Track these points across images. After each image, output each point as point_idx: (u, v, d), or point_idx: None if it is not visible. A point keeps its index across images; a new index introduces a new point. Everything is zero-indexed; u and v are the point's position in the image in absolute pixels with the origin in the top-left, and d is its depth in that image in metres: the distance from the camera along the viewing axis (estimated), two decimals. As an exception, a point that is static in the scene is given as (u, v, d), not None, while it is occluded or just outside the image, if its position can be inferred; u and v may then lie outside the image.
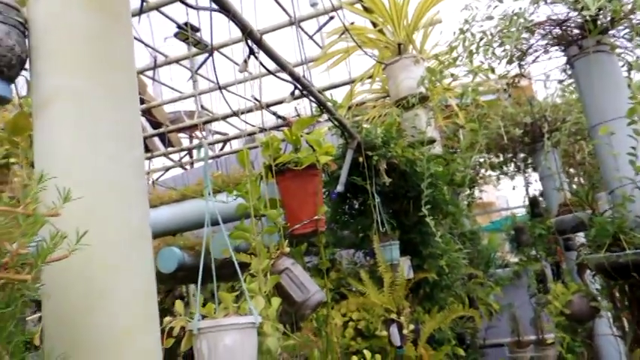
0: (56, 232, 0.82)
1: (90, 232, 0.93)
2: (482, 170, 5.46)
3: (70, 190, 0.86)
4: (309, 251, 3.05)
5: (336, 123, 3.51)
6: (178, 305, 1.62)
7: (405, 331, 2.97)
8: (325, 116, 3.66)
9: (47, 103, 1.30)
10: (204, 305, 1.61)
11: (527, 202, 5.06)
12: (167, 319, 1.51)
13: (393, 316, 3.03)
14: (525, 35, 3.09)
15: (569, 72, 3.23)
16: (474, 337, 4.40)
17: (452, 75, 4.05)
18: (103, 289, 1.18)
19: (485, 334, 4.74)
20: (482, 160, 5.29)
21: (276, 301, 1.78)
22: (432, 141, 4.33)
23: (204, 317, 1.54)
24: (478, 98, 4.49)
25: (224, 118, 4.71)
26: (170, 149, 5.90)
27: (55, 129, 1.30)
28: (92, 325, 1.15)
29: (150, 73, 5.14)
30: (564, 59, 3.17)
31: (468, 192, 5.23)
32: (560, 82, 3.60)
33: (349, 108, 5.16)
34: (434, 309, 3.37)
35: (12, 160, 2.14)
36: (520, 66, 3.33)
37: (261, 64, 2.50)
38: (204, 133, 6.38)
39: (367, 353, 2.47)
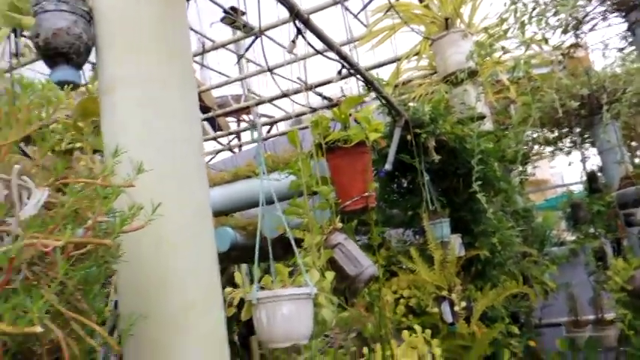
0: (133, 203, 0.88)
1: (158, 209, 0.99)
2: (536, 146, 5.28)
3: (142, 163, 0.92)
4: (358, 230, 3.08)
5: (383, 101, 3.49)
6: (238, 277, 1.70)
7: (456, 308, 2.96)
8: (371, 96, 3.64)
9: (112, 88, 1.37)
10: (258, 281, 1.68)
11: (584, 178, 4.86)
12: (228, 289, 1.59)
13: (444, 293, 3.03)
14: (582, 2, 2.95)
15: (630, 39, 3.06)
16: (529, 316, 4.31)
17: (502, 48, 3.92)
18: (173, 264, 1.26)
19: (540, 314, 4.63)
20: (535, 135, 5.11)
21: (330, 275, 1.83)
22: (481, 117, 4.23)
23: (262, 289, 1.60)
24: (530, 71, 4.32)
25: (271, 100, 4.78)
26: (219, 133, 6.05)
27: (120, 111, 1.38)
28: (163, 296, 1.24)
29: (197, 58, 5.26)
30: (625, 26, 3.01)
31: (520, 169, 5.07)
32: (620, 50, 3.41)
33: (396, 86, 5.10)
34: (486, 286, 3.33)
35: (77, 145, 2.27)
36: (576, 35, 3.18)
37: (308, 43, 2.52)
38: (251, 116, 6.48)
39: (418, 328, 2.48)
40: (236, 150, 6.51)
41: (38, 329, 0.70)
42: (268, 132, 6.14)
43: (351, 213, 2.40)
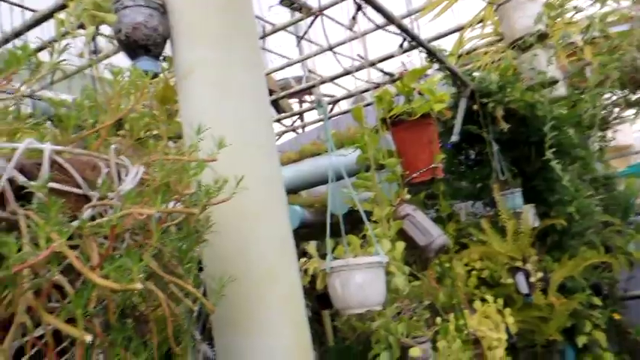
0: (218, 177, 0.96)
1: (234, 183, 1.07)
2: (616, 109, 4.93)
3: (224, 138, 0.99)
4: (426, 204, 3.06)
5: (447, 72, 3.42)
6: (311, 249, 1.77)
7: (532, 279, 2.89)
8: (434, 69, 3.57)
9: (188, 73, 1.47)
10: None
11: (672, 140, 4.50)
12: (302, 260, 1.66)
13: (519, 264, 2.96)
14: (665, -53, 2.71)
15: None
16: (613, 288, 4.10)
17: (574, 7, 3.69)
18: (253, 234, 1.35)
19: (625, 285, 4.38)
20: (615, 97, 4.77)
21: (400, 245, 1.86)
22: (553, 82, 4.01)
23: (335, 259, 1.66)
24: (607, 29, 4.03)
25: (332, 79, 4.80)
26: (282, 115, 6.17)
27: (196, 95, 1.47)
28: (243, 263, 1.33)
29: (259, 42, 5.35)
30: None
31: (599, 134, 4.76)
32: None
33: (459, 56, 4.95)
34: (564, 257, 3.21)
35: (154, 132, 2.43)
36: (659, -15, 2.93)
37: (368, 19, 2.52)
38: (312, 97, 6.53)
39: (490, 297, 2.46)
40: (299, 131, 6.61)
41: (138, 286, 0.79)
42: (330, 111, 6.18)
43: (418, 185, 2.40)
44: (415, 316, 1.82)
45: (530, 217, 3.24)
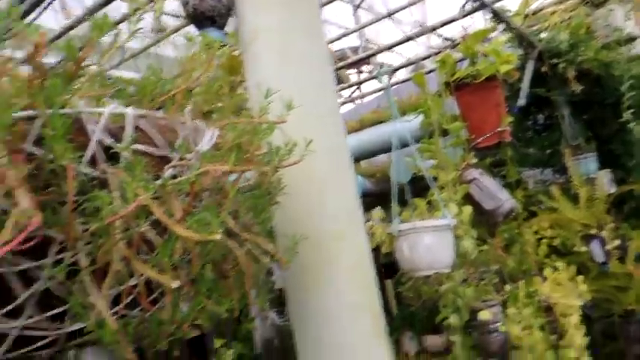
0: (288, 139, 0.98)
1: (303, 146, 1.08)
2: None
3: (292, 99, 1.01)
4: (491, 171, 2.97)
5: (512, 33, 3.25)
6: (377, 214, 1.78)
7: (608, 247, 2.75)
8: (498, 31, 3.41)
9: (253, 40, 1.49)
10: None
11: None
12: (368, 223, 1.68)
13: (593, 231, 2.82)
14: None
15: None
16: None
17: (657, -46, 3.38)
18: (322, 197, 1.38)
19: None
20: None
21: (467, 208, 1.82)
22: (631, 39, 3.74)
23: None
24: (697, -24, 3.68)
25: (390, 47, 4.70)
26: (341, 85, 6.12)
27: (262, 63, 1.50)
28: (313, 226, 1.36)
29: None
30: None
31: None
32: None
33: (525, 17, 4.68)
34: (644, 224, 3.03)
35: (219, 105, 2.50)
36: None
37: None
38: (370, 67, 6.43)
39: (560, 264, 2.36)
40: (357, 102, 6.54)
41: (217, 237, 0.83)
42: (389, 80, 6.03)
43: (484, 150, 2.33)
44: (484, 282, 1.79)
45: (605, 182, 3.06)
